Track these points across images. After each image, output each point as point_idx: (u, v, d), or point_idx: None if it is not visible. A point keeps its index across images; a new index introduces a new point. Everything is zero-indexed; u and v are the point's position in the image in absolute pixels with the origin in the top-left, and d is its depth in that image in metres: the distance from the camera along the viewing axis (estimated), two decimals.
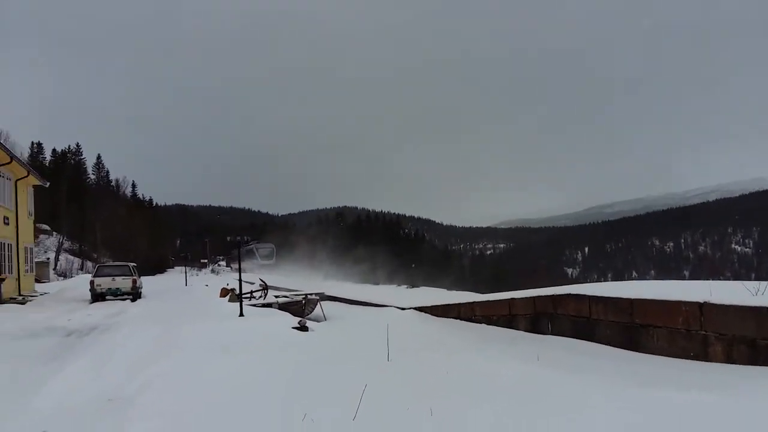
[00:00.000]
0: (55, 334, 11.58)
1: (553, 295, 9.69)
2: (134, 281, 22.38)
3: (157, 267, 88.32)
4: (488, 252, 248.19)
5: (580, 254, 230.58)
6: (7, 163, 22.88)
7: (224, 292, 18.58)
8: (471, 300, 12.58)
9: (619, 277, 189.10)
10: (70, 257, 76.71)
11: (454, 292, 22.86)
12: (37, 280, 46.68)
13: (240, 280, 13.47)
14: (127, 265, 23.82)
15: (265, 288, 17.08)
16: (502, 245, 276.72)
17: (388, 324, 12.52)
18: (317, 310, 15.52)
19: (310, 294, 16.79)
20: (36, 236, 71.95)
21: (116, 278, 22.23)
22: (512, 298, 10.91)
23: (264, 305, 15.13)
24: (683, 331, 7.12)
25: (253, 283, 35.87)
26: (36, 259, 60.18)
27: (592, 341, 8.64)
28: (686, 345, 7.09)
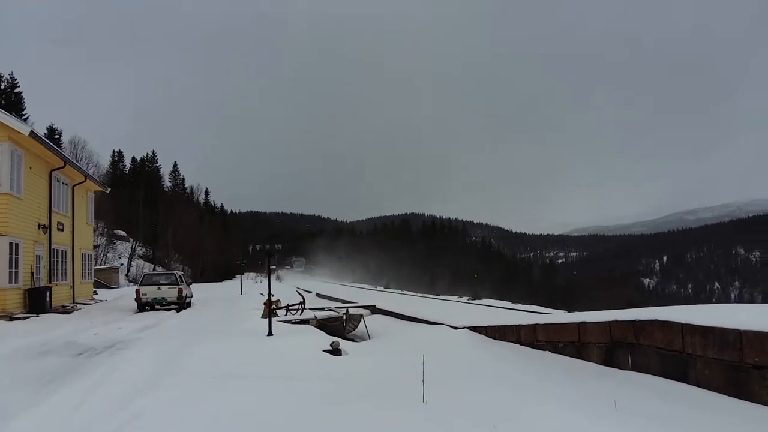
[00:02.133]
0: (68, 352, 10.66)
1: (634, 320, 7.81)
2: (180, 290, 21.64)
3: (225, 273, 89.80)
4: (560, 261, 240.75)
5: (658, 264, 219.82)
6: (61, 168, 22.75)
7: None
8: (533, 322, 10.75)
9: (700, 288, 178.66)
10: (143, 262, 78.80)
11: (520, 306, 20.98)
12: (107, 286, 47.87)
13: (269, 295, 12.18)
14: (173, 274, 23.17)
15: (302, 302, 15.76)
16: (574, 254, 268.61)
17: (438, 346, 11.00)
18: (361, 326, 14.08)
19: (355, 308, 15.35)
20: (112, 242, 74.78)
21: (162, 287, 21.56)
22: (583, 322, 9.05)
23: (301, 321, 13.83)
24: None
25: (310, 292, 35.26)
26: (108, 265, 62.21)
27: (685, 382, 6.74)
28: None
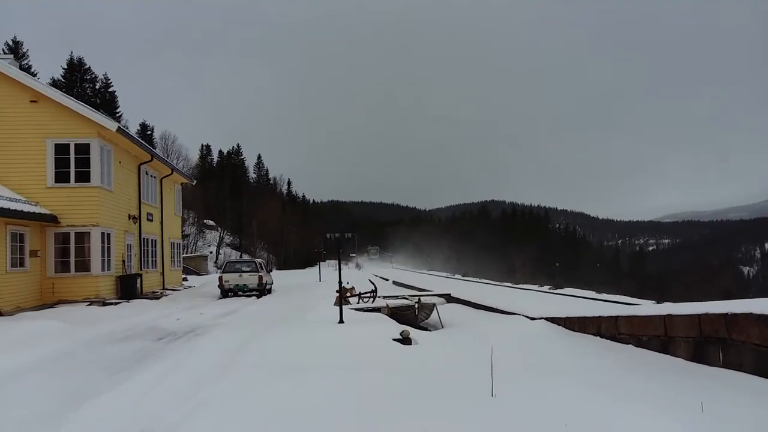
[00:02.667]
0: (150, 337, 11.13)
1: (726, 313, 7.13)
2: (260, 278, 22.26)
3: (307, 261, 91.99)
4: (650, 248, 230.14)
5: (758, 251, 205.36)
6: (149, 161, 23.87)
7: (343, 292, 17.52)
8: (615, 313, 10.14)
9: None
10: (230, 251, 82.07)
11: (604, 296, 20.03)
12: (197, 273, 50.23)
13: (340, 282, 12.18)
14: (254, 262, 23.90)
15: (374, 290, 15.70)
16: (666, 241, 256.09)
17: (511, 337, 10.63)
18: (434, 315, 13.85)
19: (428, 296, 15.13)
20: (201, 231, 78.31)
21: (243, 275, 22.26)
22: (669, 315, 8.39)
23: (373, 309, 13.78)
24: None
25: (387, 280, 35.36)
26: (198, 253, 65.22)
27: None
28: None
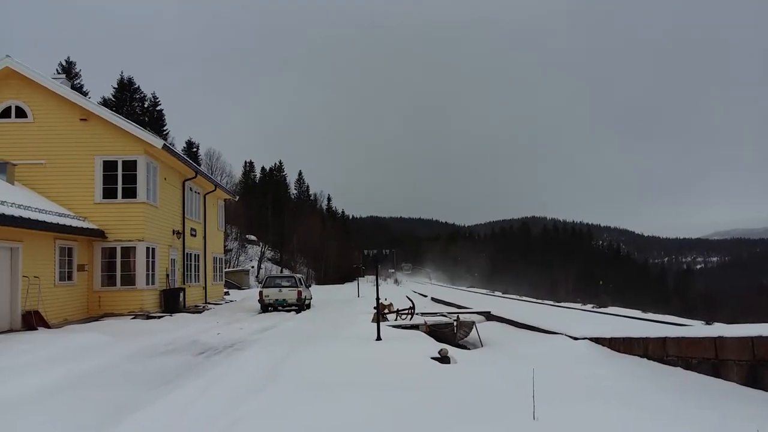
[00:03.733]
0: (190, 351, 11.27)
1: None
2: (299, 293, 22.45)
3: (346, 276, 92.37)
4: (698, 267, 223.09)
5: None
6: (192, 178, 24.38)
7: (381, 308, 17.44)
8: (663, 334, 9.78)
9: None
10: (271, 265, 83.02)
11: (650, 315, 19.42)
12: (238, 287, 50.84)
13: (377, 299, 12.11)
14: (293, 277, 24.14)
15: (412, 308, 15.58)
16: (715, 259, 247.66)
17: (554, 358, 10.36)
18: (473, 333, 13.63)
19: (467, 314, 14.92)
20: (244, 246, 79.50)
21: (283, 290, 22.50)
22: (720, 337, 8.04)
23: (411, 327, 13.66)
24: None
25: (426, 296, 35.16)
26: (240, 267, 66.12)
27: None
28: None
